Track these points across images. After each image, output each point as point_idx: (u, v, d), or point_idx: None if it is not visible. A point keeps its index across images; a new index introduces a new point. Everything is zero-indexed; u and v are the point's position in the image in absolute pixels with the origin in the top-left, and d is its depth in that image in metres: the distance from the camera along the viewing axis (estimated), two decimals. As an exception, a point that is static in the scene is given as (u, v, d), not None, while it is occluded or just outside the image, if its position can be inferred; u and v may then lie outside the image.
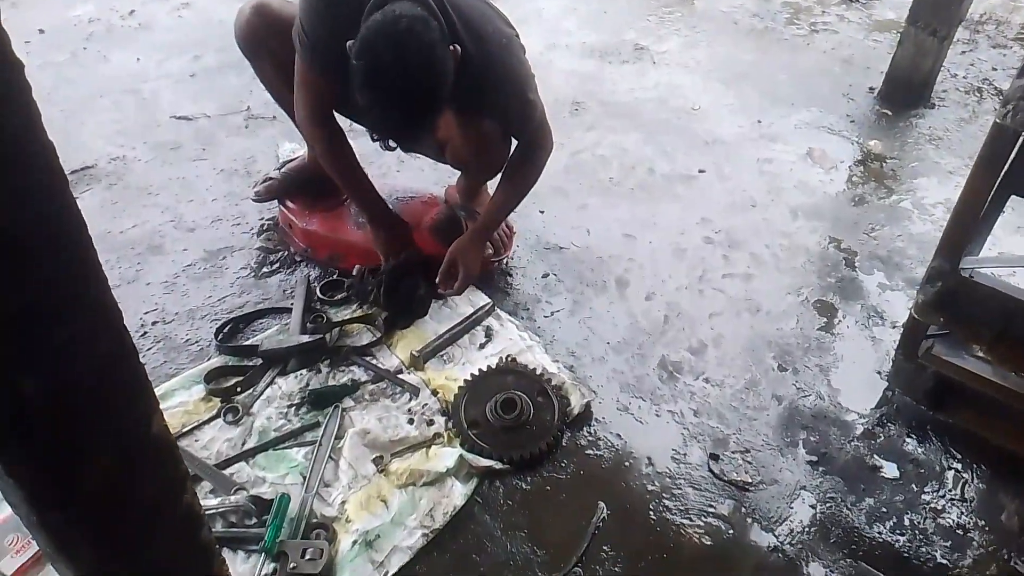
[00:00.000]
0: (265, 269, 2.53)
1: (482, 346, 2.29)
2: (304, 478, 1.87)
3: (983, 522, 1.91)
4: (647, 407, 2.17)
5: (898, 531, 1.89)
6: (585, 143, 3.30)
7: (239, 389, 2.08)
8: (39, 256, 0.53)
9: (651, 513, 1.89)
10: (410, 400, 2.10)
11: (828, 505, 1.94)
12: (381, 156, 2.77)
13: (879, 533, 1.88)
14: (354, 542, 1.75)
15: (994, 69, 4.08)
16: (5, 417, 0.57)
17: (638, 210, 2.93)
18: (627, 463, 2.01)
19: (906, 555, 1.84)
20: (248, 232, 2.69)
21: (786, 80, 3.91)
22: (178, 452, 0.77)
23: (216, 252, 2.59)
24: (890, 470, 2.03)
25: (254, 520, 1.76)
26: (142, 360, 0.65)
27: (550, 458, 1.99)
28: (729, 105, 3.67)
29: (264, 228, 2.70)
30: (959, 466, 2.04)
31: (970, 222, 1.80)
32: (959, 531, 1.89)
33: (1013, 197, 1.88)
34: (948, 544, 1.86)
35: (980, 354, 1.96)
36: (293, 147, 2.96)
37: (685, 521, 1.88)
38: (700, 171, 3.17)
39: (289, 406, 2.06)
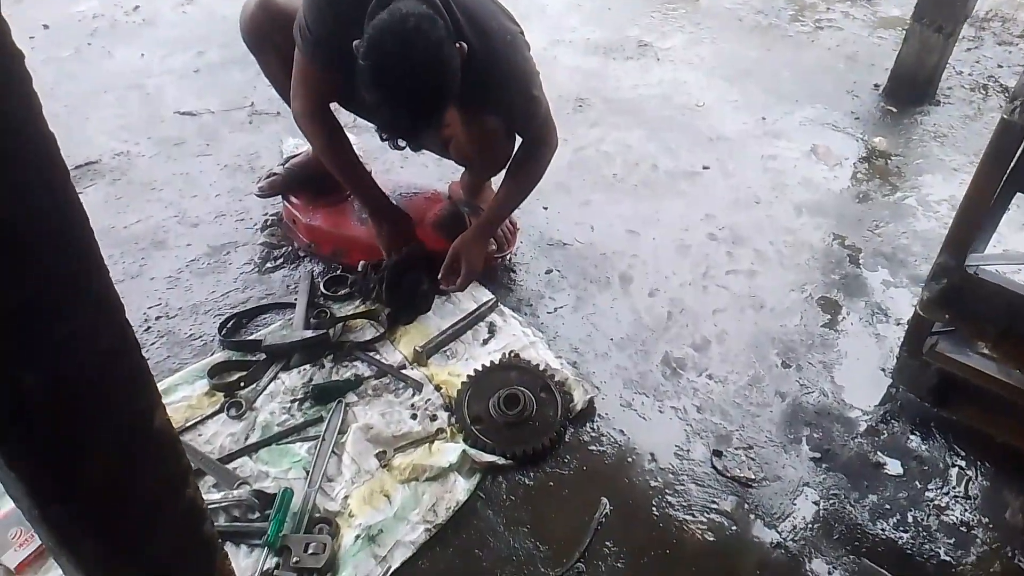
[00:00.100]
0: (269, 264, 2.53)
1: (485, 342, 2.29)
2: (307, 473, 1.87)
3: (987, 519, 1.91)
4: (650, 403, 2.16)
5: (901, 528, 1.88)
6: (589, 139, 3.30)
7: (242, 384, 2.09)
8: (40, 250, 0.53)
9: (654, 509, 1.89)
10: (413, 395, 2.10)
11: (831, 502, 1.94)
12: (385, 152, 2.76)
13: (882, 530, 1.88)
14: (357, 536, 1.75)
15: (1000, 66, 4.06)
16: (6, 411, 0.57)
17: (642, 206, 2.92)
18: (630, 459, 2.01)
19: (909, 552, 1.84)
20: (252, 227, 2.69)
21: (790, 77, 3.90)
22: (180, 446, 0.77)
23: (220, 247, 2.59)
24: (894, 467, 2.03)
25: (257, 514, 1.77)
26: (145, 355, 0.65)
27: (553, 454, 1.99)
28: (733, 102, 3.66)
29: (268, 223, 2.70)
30: (963, 463, 2.04)
31: (976, 219, 1.80)
32: (963, 528, 1.89)
33: (1018, 194, 1.87)
34: (952, 541, 1.86)
35: (985, 351, 1.95)
36: (297, 142, 2.95)
37: (688, 517, 1.88)
38: (704, 168, 3.17)
39: (292, 401, 2.06)
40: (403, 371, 2.16)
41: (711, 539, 1.84)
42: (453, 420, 2.04)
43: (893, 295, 2.57)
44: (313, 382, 2.11)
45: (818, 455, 2.05)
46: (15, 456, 0.60)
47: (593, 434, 2.07)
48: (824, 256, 2.73)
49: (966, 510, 1.93)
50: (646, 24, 4.36)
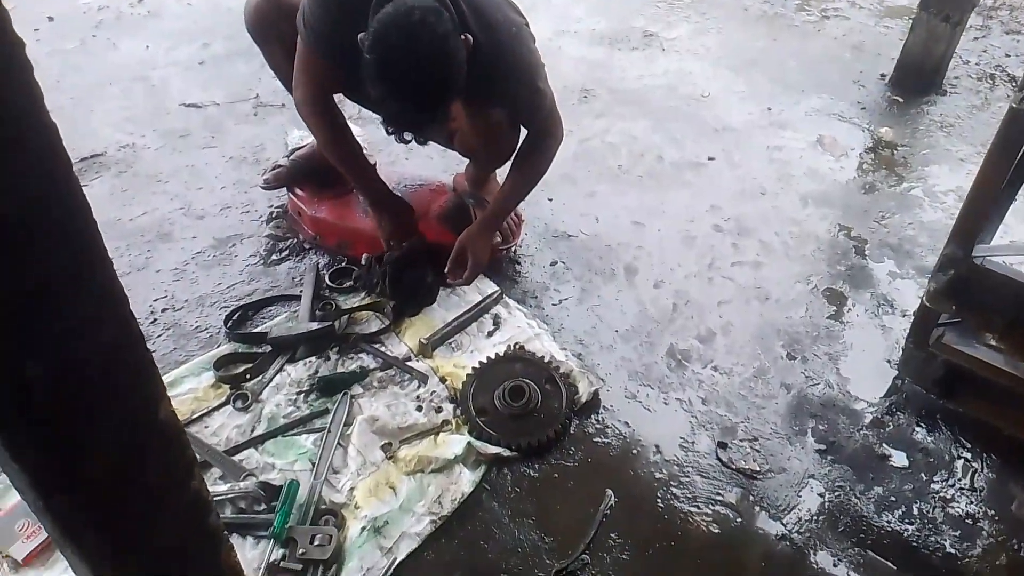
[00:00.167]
0: (274, 257, 2.53)
1: (490, 334, 2.29)
2: (313, 465, 1.88)
3: (993, 512, 1.90)
4: (655, 395, 2.16)
5: (907, 520, 1.88)
6: (594, 130, 3.29)
7: (248, 376, 2.09)
8: (43, 240, 0.53)
9: (659, 501, 1.89)
10: (418, 387, 2.10)
11: (836, 494, 1.94)
12: (389, 143, 2.76)
13: (888, 522, 1.88)
14: (363, 528, 1.75)
15: (1007, 55, 4.04)
16: (11, 402, 0.57)
17: (647, 198, 2.92)
18: (635, 451, 2.01)
19: (915, 544, 1.83)
20: (257, 220, 2.69)
21: (796, 67, 3.88)
22: (185, 438, 0.77)
23: (225, 240, 2.59)
24: (899, 459, 2.03)
25: (263, 506, 1.77)
26: (152, 347, 0.65)
27: (558, 446, 1.99)
28: (739, 92, 3.65)
29: (273, 216, 2.70)
30: (969, 455, 2.03)
31: (983, 209, 1.79)
32: (968, 520, 1.89)
33: (1026, 185, 1.86)
34: (957, 534, 1.86)
35: (992, 343, 1.94)
36: (302, 135, 2.95)
37: (693, 509, 1.88)
38: (709, 158, 3.16)
39: (298, 393, 2.07)
40: (408, 363, 2.17)
41: (716, 531, 1.84)
42: (458, 412, 2.04)
43: (899, 286, 2.56)
44: (319, 374, 2.11)
45: (823, 447, 2.04)
46: (20, 447, 0.60)
47: (598, 426, 2.07)
48: (830, 247, 2.73)
49: (972, 502, 1.92)
50: (651, 14, 4.34)
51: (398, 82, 1.82)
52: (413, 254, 2.31)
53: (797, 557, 1.80)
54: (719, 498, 1.91)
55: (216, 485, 1.81)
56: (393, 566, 1.71)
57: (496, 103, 2.18)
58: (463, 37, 1.86)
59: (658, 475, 1.95)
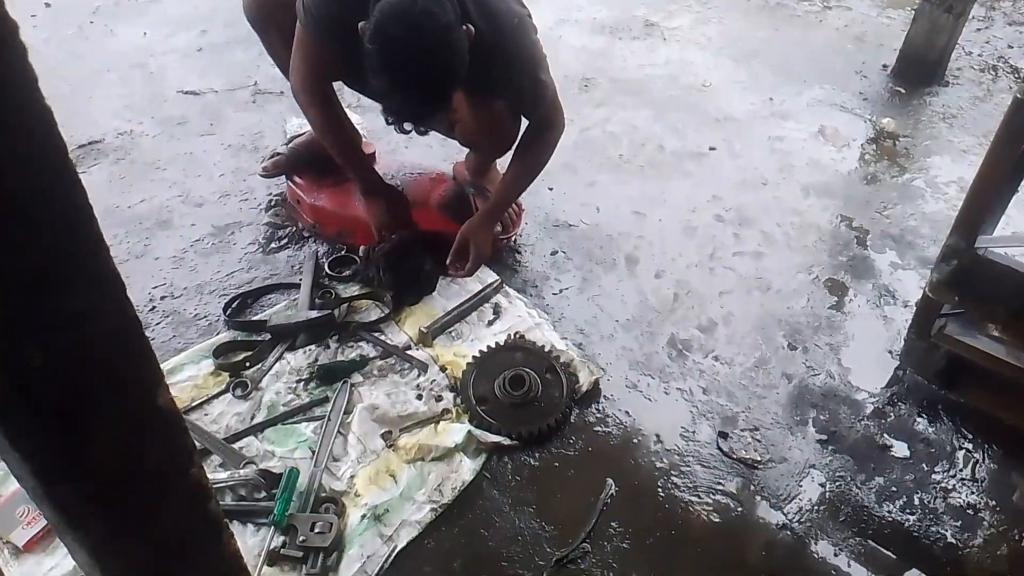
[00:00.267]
0: (273, 244, 2.52)
1: (490, 323, 2.28)
2: (313, 452, 1.87)
3: (994, 502, 1.90)
4: (656, 385, 2.16)
5: (908, 510, 1.88)
6: (595, 120, 3.27)
7: (248, 364, 2.08)
8: (40, 225, 0.52)
9: (659, 490, 1.89)
10: (419, 376, 2.10)
11: (837, 484, 1.93)
12: (389, 132, 2.74)
13: (888, 512, 1.88)
14: (363, 516, 1.75)
15: (1010, 47, 4.02)
16: (10, 389, 0.56)
17: (648, 187, 2.91)
18: (635, 440, 2.01)
19: (916, 534, 1.83)
20: (256, 207, 2.68)
21: (798, 57, 3.86)
22: (185, 425, 0.76)
23: (224, 227, 2.58)
24: (900, 449, 2.02)
25: (263, 494, 1.77)
26: (151, 334, 0.64)
27: (558, 434, 1.99)
28: (740, 82, 3.63)
29: (272, 204, 2.69)
30: (970, 446, 2.03)
31: (987, 200, 1.78)
32: (969, 511, 1.89)
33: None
34: (958, 524, 1.85)
35: (994, 333, 1.94)
36: (301, 122, 2.93)
37: (693, 498, 1.88)
38: (711, 148, 3.14)
39: (298, 381, 2.06)
40: (408, 352, 2.16)
41: (717, 520, 1.84)
42: (459, 401, 2.04)
43: (901, 277, 2.55)
44: (319, 362, 2.10)
45: (824, 437, 2.04)
46: (19, 434, 0.60)
47: (599, 415, 2.06)
48: (831, 238, 2.72)
49: (973, 493, 1.92)
50: (652, 3, 4.31)
51: (400, 73, 1.80)
52: (406, 245, 2.30)
53: (798, 547, 1.80)
54: (720, 487, 1.91)
55: (216, 473, 1.81)
56: (393, 554, 1.71)
57: (497, 94, 2.17)
58: (465, 28, 1.85)
59: (659, 464, 1.95)
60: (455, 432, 1.93)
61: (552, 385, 2.07)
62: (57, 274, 0.56)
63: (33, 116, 0.50)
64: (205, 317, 2.26)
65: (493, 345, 2.16)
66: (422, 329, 2.20)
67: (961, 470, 1.98)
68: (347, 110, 2.67)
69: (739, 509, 1.87)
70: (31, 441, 0.62)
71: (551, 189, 2.81)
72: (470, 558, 1.73)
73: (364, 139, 2.73)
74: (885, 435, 2.05)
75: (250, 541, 1.70)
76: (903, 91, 3.60)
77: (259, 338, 2.16)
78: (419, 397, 2.04)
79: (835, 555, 1.78)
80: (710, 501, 1.88)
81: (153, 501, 0.76)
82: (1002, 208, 1.95)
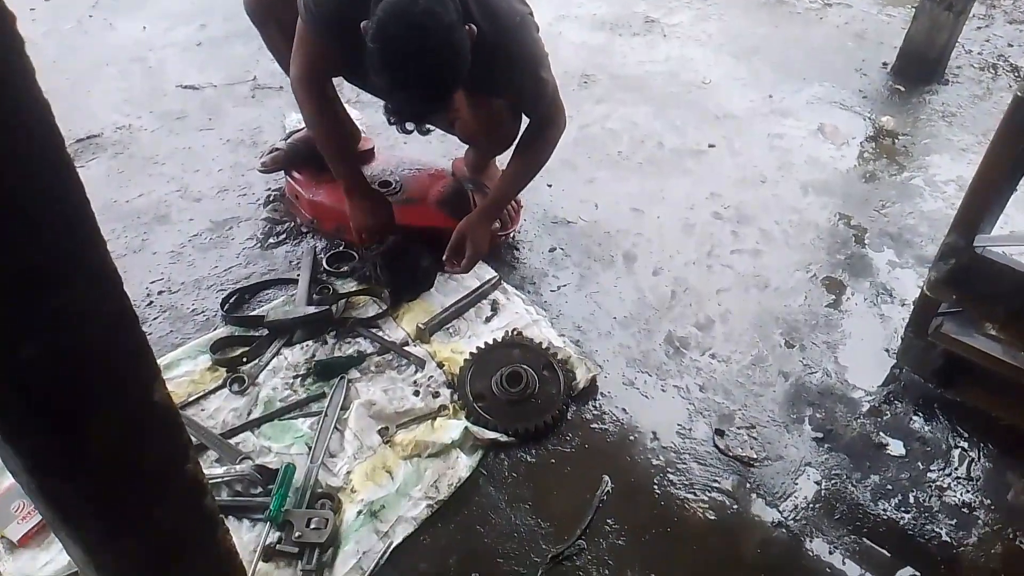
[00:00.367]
0: (271, 240, 2.52)
1: (488, 319, 2.28)
2: (309, 448, 1.87)
3: (989, 501, 1.91)
4: (653, 382, 2.16)
5: (903, 508, 1.88)
6: (594, 116, 3.27)
7: (245, 359, 2.08)
8: (36, 219, 0.52)
9: (655, 487, 1.89)
10: (416, 372, 2.10)
11: (833, 482, 1.94)
12: (389, 127, 2.74)
13: (884, 510, 1.88)
14: (359, 512, 1.75)
15: (1010, 45, 4.02)
16: (5, 383, 0.56)
17: (647, 184, 2.90)
18: (632, 437, 2.01)
19: (911, 532, 1.84)
20: (254, 203, 2.68)
21: (798, 54, 3.86)
22: (181, 420, 0.76)
23: (222, 222, 2.58)
24: (896, 448, 2.03)
25: (259, 489, 1.77)
26: (148, 329, 0.64)
27: (555, 431, 1.99)
28: (740, 79, 3.63)
29: (270, 199, 2.69)
30: (966, 444, 2.03)
31: (986, 198, 1.78)
32: (965, 509, 1.89)
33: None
34: (953, 522, 1.86)
35: (992, 332, 1.94)
36: (300, 118, 2.92)
37: (689, 496, 1.88)
38: (710, 146, 3.14)
39: (295, 377, 2.06)
40: (406, 348, 2.16)
41: (712, 518, 1.84)
42: (455, 397, 2.04)
43: (898, 275, 2.55)
44: (316, 358, 2.10)
45: (820, 435, 2.04)
46: (13, 429, 0.60)
47: (595, 412, 2.06)
48: (830, 236, 2.72)
49: (968, 491, 1.93)
50: (653, 0, 4.31)
51: (402, 72, 1.80)
52: (399, 247, 2.30)
53: (793, 544, 1.80)
54: (716, 485, 1.91)
55: (212, 468, 1.81)
56: (389, 550, 1.71)
57: (498, 92, 2.17)
58: (467, 27, 1.84)
59: (655, 461, 1.95)
60: (452, 429, 1.93)
61: (549, 382, 2.07)
62: (54, 271, 0.56)
63: (30, 111, 0.50)
64: (203, 312, 2.26)
65: (490, 342, 2.16)
66: (420, 325, 2.20)
67: (957, 469, 1.98)
68: (347, 105, 2.67)
69: (735, 507, 1.87)
70: (25, 436, 0.62)
71: (550, 186, 2.80)
72: (466, 554, 1.73)
73: (363, 134, 2.73)
74: (881, 433, 2.06)
75: (246, 537, 1.70)
76: (903, 89, 3.60)
77: (256, 334, 2.16)
78: (416, 393, 2.04)
79: (830, 553, 1.79)
80: (706, 498, 1.88)
81: (149, 496, 0.77)
82: (1001, 207, 1.95)
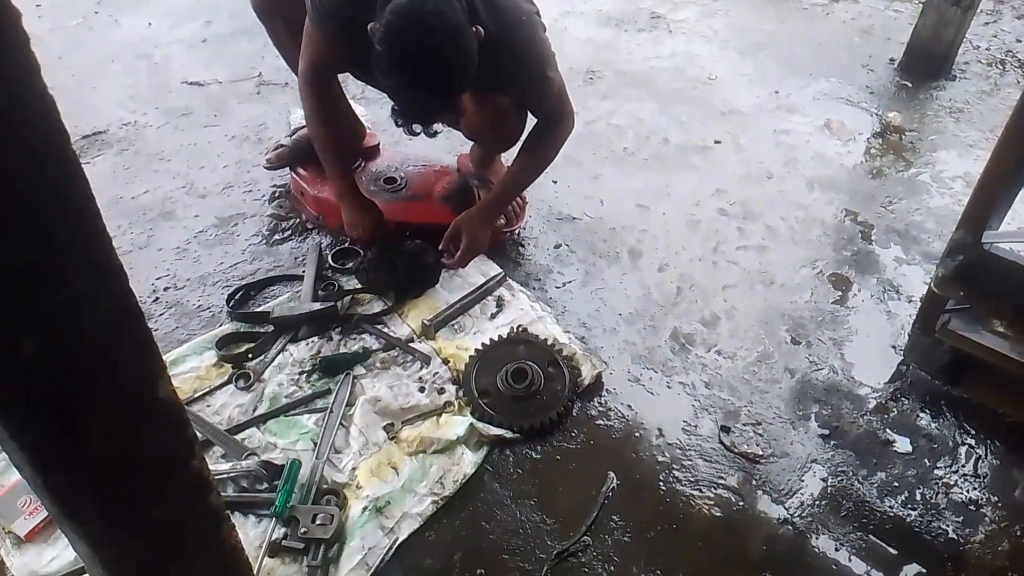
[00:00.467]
0: (276, 236, 2.52)
1: (493, 316, 2.28)
2: (315, 444, 1.88)
3: (996, 498, 1.90)
4: (658, 378, 2.16)
5: (909, 505, 1.88)
6: (600, 112, 3.26)
7: (250, 355, 2.09)
8: (38, 212, 0.52)
9: (661, 484, 1.89)
10: (421, 368, 2.10)
11: (839, 478, 1.93)
12: (394, 123, 2.75)
13: (890, 507, 1.87)
14: (364, 508, 1.75)
15: (1018, 41, 4.00)
16: (8, 379, 0.56)
17: (652, 181, 2.90)
18: (637, 434, 2.01)
19: (917, 530, 1.83)
20: (260, 199, 2.68)
21: (805, 50, 3.84)
22: (186, 416, 0.76)
23: (228, 219, 2.58)
24: (903, 444, 2.02)
25: (265, 485, 1.77)
26: (154, 325, 0.64)
27: (560, 428, 1.99)
28: (746, 75, 3.62)
29: (276, 195, 2.69)
30: (972, 441, 2.03)
31: (994, 194, 1.77)
32: (971, 507, 1.88)
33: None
34: (960, 519, 1.85)
35: (999, 329, 1.93)
36: (304, 113, 2.93)
37: (695, 492, 1.88)
38: (716, 142, 3.13)
39: (300, 373, 2.06)
40: (411, 344, 2.16)
41: (718, 514, 1.84)
42: (461, 393, 2.04)
43: (905, 272, 2.54)
44: (321, 354, 2.10)
45: (827, 432, 2.04)
46: (18, 425, 0.60)
47: (601, 409, 2.06)
48: (836, 232, 2.71)
49: (975, 488, 1.92)
50: (659, -5, 4.30)
51: (409, 73, 1.80)
52: (381, 258, 2.29)
53: (799, 541, 1.80)
54: (721, 482, 1.90)
55: (218, 464, 1.81)
56: (394, 546, 1.71)
57: (503, 90, 2.16)
58: (474, 29, 1.84)
59: (660, 458, 1.95)
60: (457, 425, 1.93)
61: (554, 378, 2.07)
62: (59, 267, 0.56)
63: (35, 107, 0.50)
64: (208, 308, 2.26)
65: (496, 338, 2.16)
66: (425, 322, 2.20)
67: (963, 466, 1.97)
68: (352, 102, 2.67)
69: (740, 503, 1.86)
70: (30, 432, 0.62)
71: (555, 182, 2.80)
72: (471, 551, 1.73)
73: (368, 131, 2.73)
74: (887, 430, 2.05)
75: (251, 532, 1.70)
76: (910, 85, 3.58)
77: (262, 330, 2.17)
78: (421, 390, 2.04)
79: (836, 550, 1.78)
80: (711, 495, 1.88)
81: (154, 493, 0.77)
82: (1009, 203, 1.94)
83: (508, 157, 2.43)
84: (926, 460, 1.98)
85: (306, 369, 2.07)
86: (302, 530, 1.67)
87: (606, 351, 2.22)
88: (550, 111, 2.22)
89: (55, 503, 0.69)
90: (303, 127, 2.70)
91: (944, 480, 1.94)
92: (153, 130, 3.01)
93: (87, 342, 0.60)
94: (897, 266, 2.57)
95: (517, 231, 2.58)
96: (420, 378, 2.07)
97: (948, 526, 1.84)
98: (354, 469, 1.85)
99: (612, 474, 1.89)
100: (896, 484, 1.92)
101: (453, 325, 2.24)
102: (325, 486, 1.79)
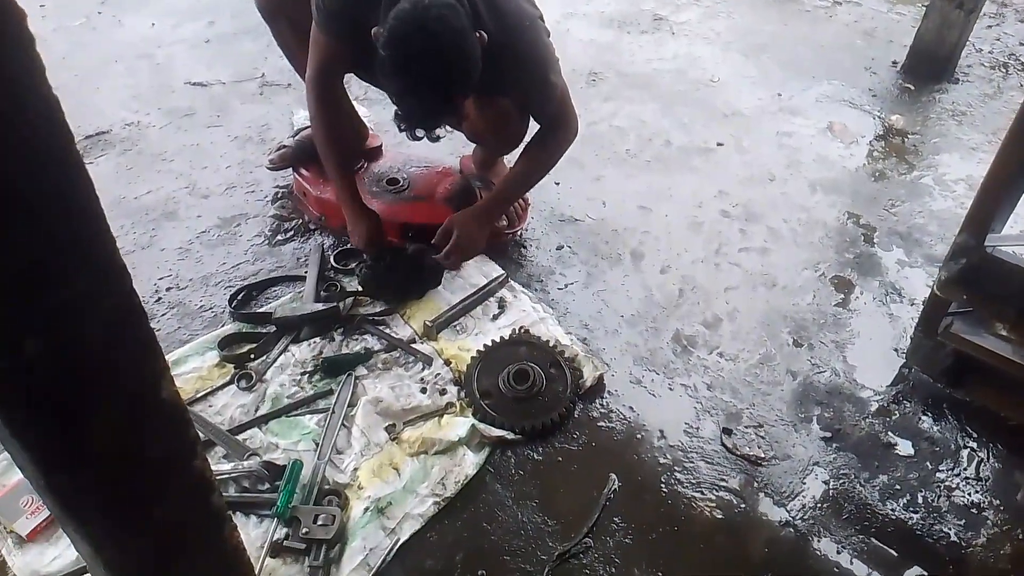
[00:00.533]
0: (279, 237, 2.52)
1: (495, 317, 2.28)
2: (317, 445, 1.88)
3: (998, 501, 1.90)
4: (660, 380, 2.15)
5: (911, 508, 1.88)
6: (602, 114, 3.26)
7: (252, 356, 2.09)
8: (42, 212, 0.52)
9: (662, 486, 1.89)
10: (423, 369, 2.10)
11: (841, 481, 1.93)
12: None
13: (892, 510, 1.87)
14: (366, 509, 1.75)
15: (1021, 44, 3.99)
16: (10, 379, 0.56)
17: (654, 182, 2.90)
18: (639, 436, 2.00)
19: (919, 532, 1.83)
20: (262, 200, 2.68)
21: (807, 52, 3.84)
22: (188, 416, 0.76)
23: (230, 219, 2.58)
24: (904, 447, 2.02)
25: (267, 485, 1.77)
26: (156, 325, 0.64)
27: (562, 429, 1.99)
28: (749, 77, 3.62)
29: (278, 196, 2.69)
30: (975, 444, 2.02)
31: (998, 197, 1.77)
32: (973, 510, 1.88)
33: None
34: (962, 523, 1.85)
35: (1002, 332, 1.93)
36: (307, 115, 2.93)
37: (696, 494, 1.88)
38: (718, 144, 3.13)
39: (302, 373, 2.06)
40: (413, 345, 2.16)
41: (719, 517, 1.83)
42: (462, 394, 2.04)
43: (908, 275, 2.54)
44: (323, 355, 2.11)
45: (828, 435, 2.04)
46: (20, 424, 0.60)
47: (602, 410, 2.06)
48: (838, 235, 2.71)
49: (977, 491, 1.92)
50: (661, -3, 4.30)
51: (412, 77, 1.80)
52: (391, 256, 2.28)
53: (800, 543, 1.80)
54: (723, 484, 1.90)
55: (220, 464, 1.81)
56: (396, 546, 1.71)
57: (505, 93, 2.16)
58: (478, 35, 1.84)
59: (662, 460, 1.95)
60: (459, 426, 1.93)
61: (556, 380, 2.07)
62: (62, 267, 0.56)
63: (40, 108, 0.50)
64: (210, 309, 2.26)
65: (498, 339, 2.16)
66: (427, 323, 2.20)
67: (965, 469, 1.97)
68: (355, 103, 2.67)
69: (742, 506, 1.86)
70: (32, 431, 0.62)
71: (557, 184, 2.80)
72: (472, 552, 1.73)
73: (371, 131, 2.73)
74: (889, 433, 2.05)
75: (253, 533, 1.70)
76: (912, 88, 3.58)
77: (264, 330, 2.17)
78: (423, 391, 2.04)
79: (838, 552, 1.78)
80: (713, 497, 1.87)
81: (156, 493, 0.77)
82: (1012, 206, 1.94)
83: (511, 159, 2.43)
84: (928, 463, 1.98)
85: (308, 370, 2.07)
86: (304, 530, 1.67)
87: (608, 353, 2.22)
88: (552, 115, 2.22)
89: (57, 503, 0.69)
90: (306, 128, 2.71)
91: (946, 483, 1.93)
92: (156, 130, 3.01)
93: (89, 342, 0.60)
94: (899, 269, 2.57)
95: (519, 232, 2.58)
96: (422, 379, 2.07)
97: (950, 529, 1.84)
98: (356, 470, 1.85)
99: (614, 476, 1.89)
100: (898, 487, 1.92)
101: (455, 326, 2.24)
102: (327, 486, 1.79)
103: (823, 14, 4.24)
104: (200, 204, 2.65)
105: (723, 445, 1.99)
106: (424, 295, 2.31)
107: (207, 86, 3.30)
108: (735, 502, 1.87)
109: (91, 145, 2.89)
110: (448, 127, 2.49)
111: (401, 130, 1.96)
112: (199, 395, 1.98)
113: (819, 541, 1.80)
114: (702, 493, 1.88)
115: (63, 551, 1.63)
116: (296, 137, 2.67)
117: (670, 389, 2.13)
